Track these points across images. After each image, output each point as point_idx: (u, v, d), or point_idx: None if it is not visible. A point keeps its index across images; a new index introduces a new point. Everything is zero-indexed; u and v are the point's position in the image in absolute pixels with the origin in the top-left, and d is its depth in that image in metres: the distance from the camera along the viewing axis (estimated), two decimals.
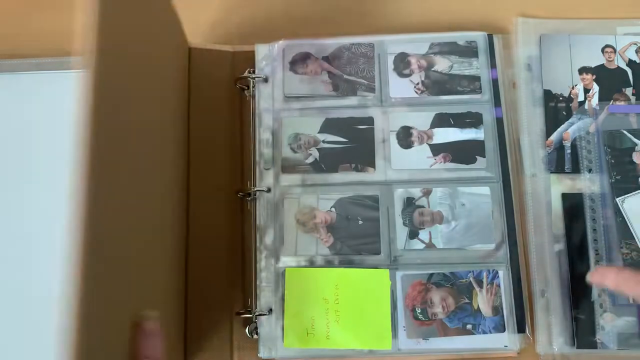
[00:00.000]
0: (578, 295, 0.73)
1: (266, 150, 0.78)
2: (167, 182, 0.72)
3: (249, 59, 0.83)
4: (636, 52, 0.81)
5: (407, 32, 0.83)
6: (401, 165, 0.77)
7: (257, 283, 0.75)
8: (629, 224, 0.75)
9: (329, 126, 0.79)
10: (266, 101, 0.80)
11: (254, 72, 0.82)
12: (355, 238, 0.75)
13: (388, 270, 0.73)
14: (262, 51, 0.83)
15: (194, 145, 0.79)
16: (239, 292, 0.76)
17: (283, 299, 0.73)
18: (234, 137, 0.80)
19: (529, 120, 0.80)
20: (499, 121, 0.78)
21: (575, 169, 0.78)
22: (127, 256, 0.56)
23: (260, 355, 0.73)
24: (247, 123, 0.80)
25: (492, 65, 0.80)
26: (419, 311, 0.72)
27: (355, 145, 0.78)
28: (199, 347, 0.74)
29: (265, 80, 0.81)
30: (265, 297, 0.74)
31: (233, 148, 0.80)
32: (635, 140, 0.77)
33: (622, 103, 0.80)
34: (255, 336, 0.74)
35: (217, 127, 0.80)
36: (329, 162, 0.77)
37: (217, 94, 0.81)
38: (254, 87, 0.81)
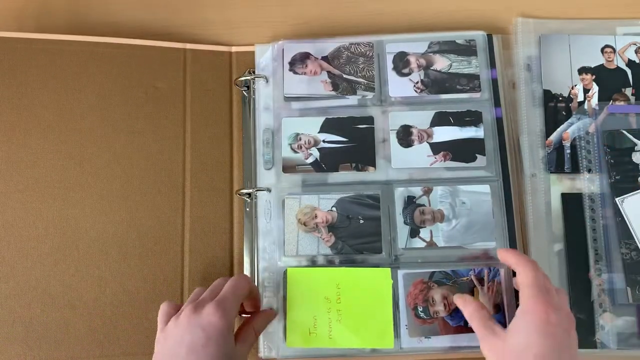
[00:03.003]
0: (578, 294, 0.74)
1: (266, 150, 0.78)
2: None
3: (249, 60, 0.83)
4: (636, 52, 0.82)
5: (406, 31, 0.84)
6: (401, 164, 0.77)
7: (259, 283, 0.75)
8: (628, 223, 0.75)
9: (329, 126, 0.78)
10: (266, 101, 0.80)
11: (253, 72, 0.82)
12: (356, 237, 0.74)
13: (389, 269, 0.73)
14: (261, 51, 0.83)
15: (194, 145, 0.79)
16: None
17: (285, 299, 0.73)
18: (234, 137, 0.80)
19: (529, 120, 0.80)
20: (499, 121, 0.79)
21: (575, 169, 0.78)
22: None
23: (261, 355, 0.73)
24: (247, 123, 0.80)
25: (492, 65, 0.81)
26: (421, 309, 0.72)
27: (355, 144, 0.78)
28: None
29: (265, 80, 0.81)
30: (266, 297, 0.74)
31: (233, 148, 0.80)
32: (635, 140, 0.77)
33: (622, 103, 0.80)
34: None
35: (217, 127, 0.80)
36: (329, 161, 0.77)
37: (217, 95, 0.81)
38: (253, 87, 0.81)
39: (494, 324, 0.63)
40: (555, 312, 0.60)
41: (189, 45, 0.83)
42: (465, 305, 0.67)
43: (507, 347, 0.60)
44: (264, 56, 0.82)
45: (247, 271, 0.76)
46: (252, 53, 0.83)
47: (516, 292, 0.72)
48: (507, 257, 0.67)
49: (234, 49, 0.84)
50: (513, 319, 0.61)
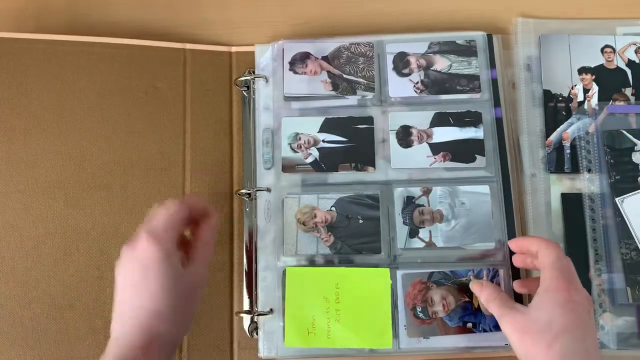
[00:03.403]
0: None
1: (266, 150, 0.78)
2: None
3: (249, 60, 0.83)
4: (635, 52, 0.82)
5: (406, 31, 0.84)
6: (401, 164, 0.77)
7: (258, 283, 0.75)
8: (628, 224, 0.75)
9: (329, 126, 0.78)
10: (266, 101, 0.80)
11: (253, 72, 0.82)
12: (355, 237, 0.74)
13: (388, 269, 0.73)
14: (261, 51, 0.83)
15: (194, 145, 0.79)
16: (239, 292, 0.76)
17: (284, 299, 0.73)
18: (234, 137, 0.80)
19: (529, 121, 0.80)
20: (499, 121, 0.78)
21: (575, 169, 0.78)
22: None
23: (260, 355, 0.73)
24: (247, 123, 0.80)
25: (492, 65, 0.80)
26: (420, 310, 0.72)
27: (355, 144, 0.78)
28: (199, 346, 0.74)
29: (265, 80, 0.81)
30: (265, 296, 0.74)
31: (233, 148, 0.80)
32: (635, 140, 0.77)
33: (622, 103, 0.80)
34: (255, 336, 0.74)
35: (217, 127, 0.80)
36: (329, 161, 0.77)
37: (217, 95, 0.81)
38: (253, 87, 0.81)
39: (513, 302, 0.63)
40: (578, 292, 0.60)
41: (188, 46, 0.83)
42: (482, 289, 0.67)
43: (529, 322, 0.60)
44: (264, 56, 0.82)
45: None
46: (252, 53, 0.83)
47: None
48: (528, 242, 0.67)
49: (234, 49, 0.84)
50: (534, 297, 0.61)
